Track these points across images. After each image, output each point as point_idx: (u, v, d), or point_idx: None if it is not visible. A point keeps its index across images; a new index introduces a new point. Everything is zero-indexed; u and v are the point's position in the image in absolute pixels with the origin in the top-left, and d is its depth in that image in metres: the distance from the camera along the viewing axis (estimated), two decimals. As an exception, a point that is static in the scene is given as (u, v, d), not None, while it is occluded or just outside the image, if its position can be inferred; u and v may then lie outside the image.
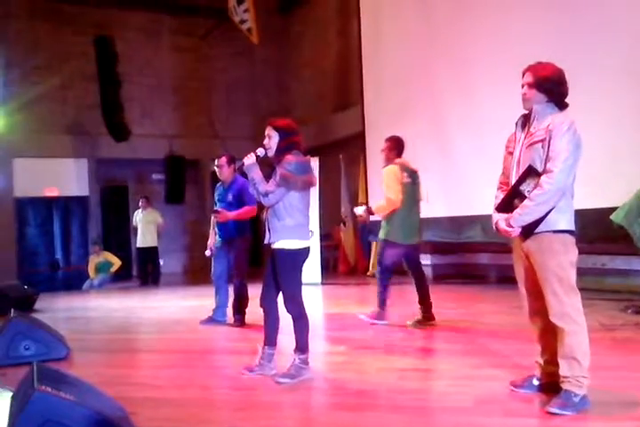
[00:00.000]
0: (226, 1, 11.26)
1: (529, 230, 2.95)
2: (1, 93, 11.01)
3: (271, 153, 3.76)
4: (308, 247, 3.80)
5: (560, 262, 2.90)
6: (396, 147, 5.44)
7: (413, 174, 5.41)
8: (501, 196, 3.12)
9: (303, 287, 3.79)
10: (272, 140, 3.74)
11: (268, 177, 3.75)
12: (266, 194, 3.68)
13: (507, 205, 3.02)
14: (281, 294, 3.75)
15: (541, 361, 3.18)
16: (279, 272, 3.71)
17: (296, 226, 3.71)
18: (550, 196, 2.86)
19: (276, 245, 3.73)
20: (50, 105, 12.29)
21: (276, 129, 3.75)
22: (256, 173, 3.72)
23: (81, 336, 5.58)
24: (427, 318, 5.31)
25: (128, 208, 13.31)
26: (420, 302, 5.35)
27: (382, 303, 5.46)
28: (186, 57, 13.63)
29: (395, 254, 5.36)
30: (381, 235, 5.44)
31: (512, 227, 2.97)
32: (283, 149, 3.72)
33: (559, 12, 6.53)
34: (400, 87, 9.23)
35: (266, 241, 3.78)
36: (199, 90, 13.64)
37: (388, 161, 5.42)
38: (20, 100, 11.41)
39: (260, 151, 3.76)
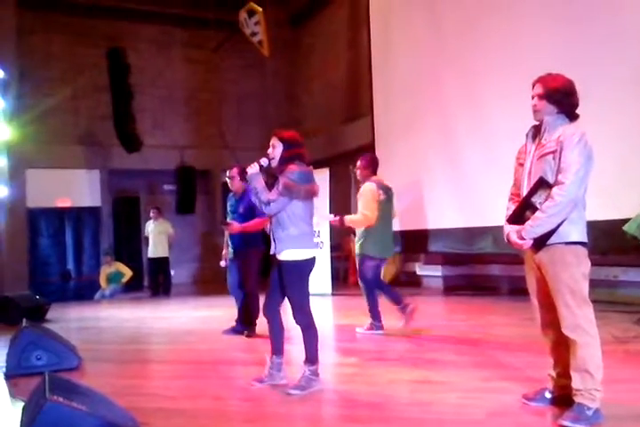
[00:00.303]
0: (237, 13, 11.35)
1: (541, 242, 2.93)
2: (14, 105, 11.12)
3: (274, 163, 3.79)
4: (314, 257, 3.80)
5: (572, 274, 2.89)
6: (370, 165, 5.68)
7: (388, 191, 5.66)
8: (513, 207, 3.11)
9: (313, 298, 3.79)
10: (276, 150, 3.77)
11: (271, 187, 3.76)
12: (268, 203, 3.70)
13: (518, 217, 3.01)
14: (289, 305, 3.76)
15: (554, 374, 3.15)
16: (286, 283, 3.72)
17: (300, 235, 3.73)
18: (562, 207, 2.85)
19: (282, 257, 3.73)
20: (62, 116, 12.44)
21: (281, 140, 3.78)
22: (258, 183, 3.75)
23: (92, 346, 5.60)
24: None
25: (139, 219, 13.38)
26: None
27: (375, 315, 5.59)
28: (197, 69, 13.76)
29: (373, 266, 5.57)
30: (358, 250, 5.63)
31: (524, 239, 2.96)
32: (286, 160, 3.75)
33: (568, 23, 6.54)
34: (410, 98, 9.26)
35: (272, 252, 3.80)
36: (210, 101, 13.74)
37: (364, 178, 5.64)
38: (32, 111, 11.54)
39: (264, 161, 3.78)
